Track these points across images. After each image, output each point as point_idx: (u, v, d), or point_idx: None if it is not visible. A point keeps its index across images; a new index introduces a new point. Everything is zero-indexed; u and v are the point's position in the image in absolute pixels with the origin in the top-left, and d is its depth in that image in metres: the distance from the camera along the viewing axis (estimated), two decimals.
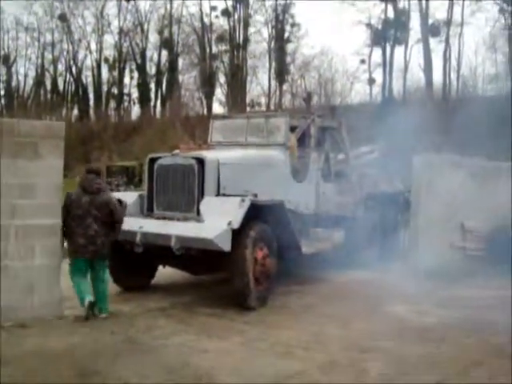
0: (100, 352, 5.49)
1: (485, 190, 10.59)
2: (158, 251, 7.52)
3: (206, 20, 44.17)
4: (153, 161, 8.10)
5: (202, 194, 7.57)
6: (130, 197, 8.18)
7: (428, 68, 33.96)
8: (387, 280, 9.07)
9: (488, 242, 10.28)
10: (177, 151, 8.18)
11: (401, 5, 37.77)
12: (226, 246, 6.76)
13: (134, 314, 6.95)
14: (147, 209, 8.07)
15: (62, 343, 5.68)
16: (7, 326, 6.04)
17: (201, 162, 7.67)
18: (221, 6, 44.21)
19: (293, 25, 43.31)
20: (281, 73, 42.12)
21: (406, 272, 9.40)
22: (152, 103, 46.83)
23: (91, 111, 48.93)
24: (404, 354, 5.65)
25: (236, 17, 43.77)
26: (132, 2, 45.97)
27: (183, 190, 7.74)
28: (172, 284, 8.87)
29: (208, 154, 7.99)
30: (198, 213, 7.39)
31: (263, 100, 43.89)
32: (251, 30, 43.84)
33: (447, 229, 10.07)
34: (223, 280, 7.86)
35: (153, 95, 46.94)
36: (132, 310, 7.16)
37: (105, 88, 48.92)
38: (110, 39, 48.40)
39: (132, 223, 7.53)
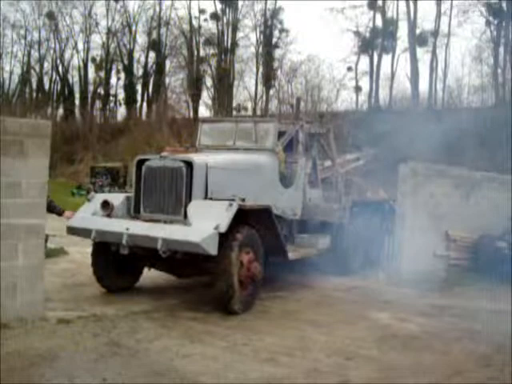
0: (83, 354, 5.44)
1: (470, 200, 10.70)
2: (144, 253, 7.48)
3: (194, 23, 44.08)
4: (141, 162, 8.02)
5: (189, 197, 7.52)
6: (117, 198, 8.13)
7: (414, 77, 34.22)
8: (371, 287, 9.11)
9: (472, 251, 10.37)
10: (165, 153, 8.13)
11: (389, 14, 38.09)
12: (212, 249, 6.73)
13: (117, 317, 6.87)
14: (134, 210, 8.00)
15: (45, 344, 5.61)
16: None
17: (189, 165, 7.62)
18: (210, 9, 44.22)
19: (281, 31, 43.41)
20: (268, 78, 42.12)
21: (390, 279, 9.46)
22: (138, 105, 46.62)
23: (77, 111, 48.51)
24: (387, 362, 5.67)
25: (224, 21, 43.77)
26: (121, 3, 45.66)
27: (171, 193, 7.68)
28: (156, 287, 8.81)
29: (196, 158, 7.93)
30: (185, 216, 7.33)
31: (249, 105, 43.93)
32: (239, 34, 43.80)
33: (431, 237, 10.14)
34: (207, 284, 7.82)
35: (139, 97, 46.74)
36: (115, 312, 7.09)
37: (91, 88, 48.64)
38: (97, 39, 47.94)
39: (118, 225, 7.50)
